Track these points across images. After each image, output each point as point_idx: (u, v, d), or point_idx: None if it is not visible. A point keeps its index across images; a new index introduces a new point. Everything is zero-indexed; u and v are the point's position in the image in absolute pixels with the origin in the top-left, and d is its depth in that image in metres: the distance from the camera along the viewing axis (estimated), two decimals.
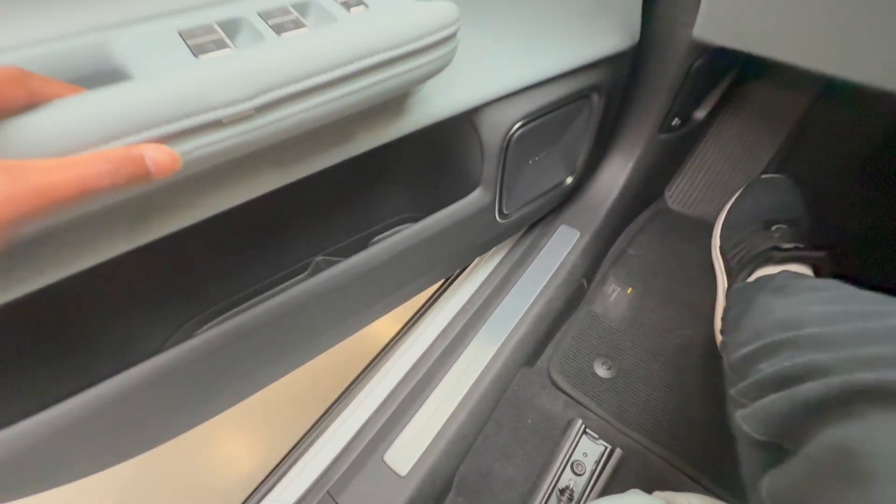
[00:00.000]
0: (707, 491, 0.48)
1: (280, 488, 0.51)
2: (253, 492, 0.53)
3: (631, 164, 0.65)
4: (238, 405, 0.47)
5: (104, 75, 0.24)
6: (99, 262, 0.28)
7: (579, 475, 0.49)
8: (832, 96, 0.71)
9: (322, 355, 0.51)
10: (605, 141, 0.65)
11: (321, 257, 0.55)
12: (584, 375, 0.58)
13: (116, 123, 0.20)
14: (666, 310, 0.64)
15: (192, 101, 0.22)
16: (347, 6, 0.29)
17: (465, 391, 0.54)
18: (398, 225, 0.61)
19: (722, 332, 0.54)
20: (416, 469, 0.48)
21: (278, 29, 0.27)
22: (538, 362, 0.61)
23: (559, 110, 0.51)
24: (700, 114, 0.66)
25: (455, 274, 0.68)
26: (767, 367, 0.33)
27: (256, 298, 0.51)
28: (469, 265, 0.68)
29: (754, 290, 0.46)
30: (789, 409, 0.30)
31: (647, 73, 0.57)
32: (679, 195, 0.76)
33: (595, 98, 0.54)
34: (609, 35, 0.49)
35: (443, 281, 0.67)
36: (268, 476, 0.53)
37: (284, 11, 0.28)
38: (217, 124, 0.23)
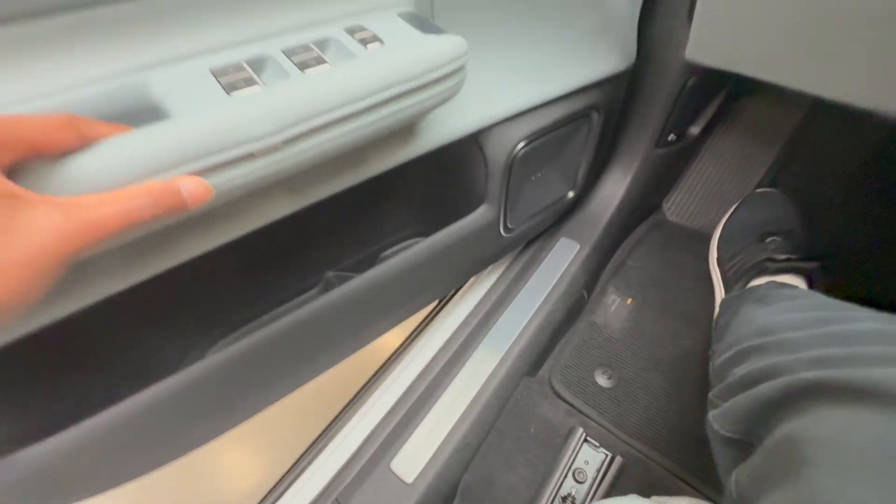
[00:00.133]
0: (707, 499, 0.49)
1: (289, 495, 0.52)
2: (263, 499, 0.54)
3: (629, 178, 0.67)
4: None
5: (144, 111, 0.26)
6: (126, 287, 0.29)
7: (581, 483, 0.50)
8: (824, 111, 0.73)
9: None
10: (604, 156, 0.67)
11: (332, 273, 0.57)
12: (585, 385, 0.59)
13: (158, 160, 0.22)
14: (665, 320, 0.65)
15: (226, 136, 0.24)
16: (365, 43, 0.31)
17: (468, 401, 0.55)
18: (406, 240, 0.63)
19: (713, 340, 0.56)
20: (421, 477, 0.50)
21: (302, 66, 0.29)
22: (540, 372, 0.62)
23: (561, 129, 0.53)
24: (695, 129, 0.68)
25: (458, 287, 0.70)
26: (739, 371, 0.36)
27: (272, 313, 0.53)
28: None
29: (741, 301, 0.48)
30: (751, 407, 0.32)
31: (643, 92, 0.60)
32: (677, 207, 0.78)
33: (594, 116, 0.56)
34: (607, 57, 0.52)
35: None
36: (277, 483, 0.55)
37: (306, 49, 0.30)
38: (248, 157, 0.25)
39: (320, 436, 0.57)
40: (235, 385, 0.42)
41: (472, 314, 0.64)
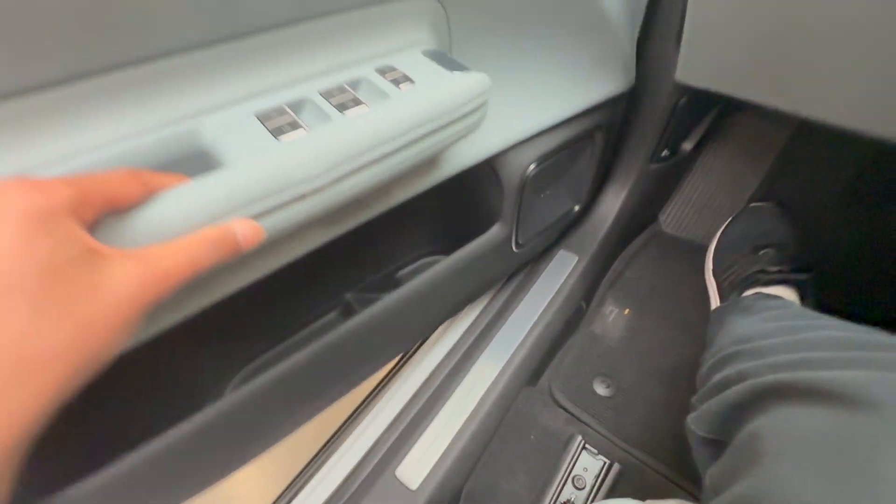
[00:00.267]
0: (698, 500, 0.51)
1: (297, 502, 0.54)
2: None
3: (625, 193, 0.70)
4: None
5: (195, 158, 0.28)
6: (171, 325, 0.31)
7: (580, 489, 0.52)
8: (814, 126, 0.74)
9: None
10: (604, 172, 0.69)
11: (351, 294, 0.59)
12: (584, 394, 0.61)
13: (216, 208, 0.24)
14: (662, 330, 0.67)
15: (279, 181, 0.25)
16: (397, 83, 0.33)
17: (470, 409, 0.57)
18: (420, 259, 0.65)
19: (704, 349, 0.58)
20: (426, 483, 0.51)
21: (341, 107, 0.30)
22: (540, 381, 0.64)
23: (568, 149, 0.56)
24: (688, 145, 0.71)
25: None
26: (717, 376, 0.38)
27: (295, 338, 0.55)
28: None
29: (728, 311, 0.50)
30: (722, 409, 0.35)
31: (638, 111, 0.62)
32: (673, 219, 0.80)
33: (598, 136, 0.59)
34: (609, 79, 0.54)
35: None
36: (285, 491, 0.56)
37: (342, 90, 0.31)
38: (298, 198, 0.27)
39: (327, 443, 0.59)
40: (261, 416, 0.43)
41: (473, 325, 0.66)
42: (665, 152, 0.68)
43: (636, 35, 0.53)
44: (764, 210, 0.65)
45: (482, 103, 0.35)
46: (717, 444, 0.36)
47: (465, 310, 0.69)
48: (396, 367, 0.66)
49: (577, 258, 0.71)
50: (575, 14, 0.47)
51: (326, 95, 0.31)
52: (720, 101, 0.74)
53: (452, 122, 0.33)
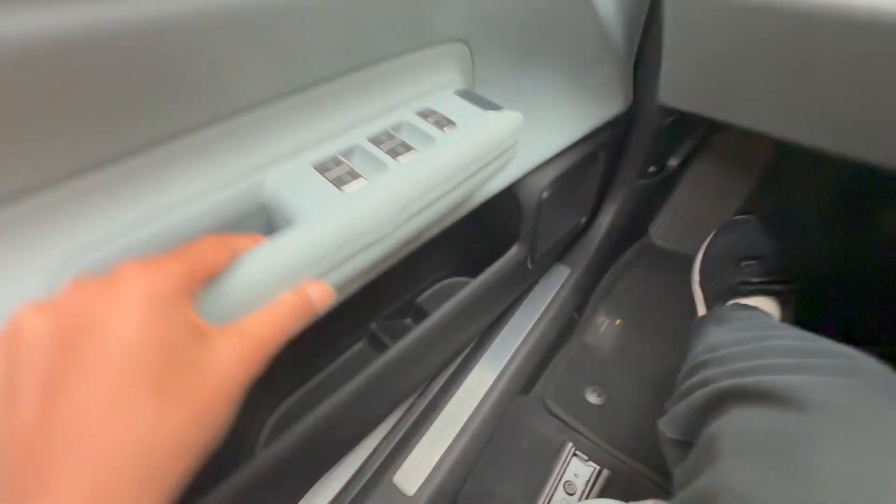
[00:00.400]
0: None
1: None
2: None
3: (615, 207, 0.72)
4: None
5: (260, 212, 0.28)
6: None
7: (571, 495, 0.54)
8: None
9: None
10: (604, 188, 0.73)
11: (375, 324, 0.60)
12: (576, 402, 0.63)
13: (294, 267, 0.24)
14: (653, 340, 0.69)
15: (349, 233, 0.26)
16: (440, 125, 0.34)
17: (466, 417, 0.59)
18: (439, 283, 0.67)
19: None
20: (422, 489, 0.53)
21: (393, 153, 0.31)
22: (534, 390, 0.66)
23: (578, 169, 0.59)
24: (674, 162, 0.74)
25: None
26: (687, 382, 0.41)
27: (326, 372, 0.56)
28: None
29: (705, 321, 0.53)
30: (688, 412, 0.38)
31: (630, 131, 0.66)
32: (663, 232, 0.83)
33: (601, 155, 0.63)
34: (612, 102, 0.58)
35: None
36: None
37: (389, 136, 0.33)
38: (365, 247, 0.27)
39: None
40: (295, 467, 0.43)
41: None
42: (652, 169, 0.71)
43: (633, 60, 0.57)
44: (747, 223, 0.68)
45: (516, 140, 0.37)
46: (685, 445, 0.38)
47: None
48: None
49: (569, 270, 0.73)
50: (584, 46, 0.50)
51: (375, 141, 0.32)
52: (704, 121, 0.77)
53: (493, 160, 0.35)
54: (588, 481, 0.54)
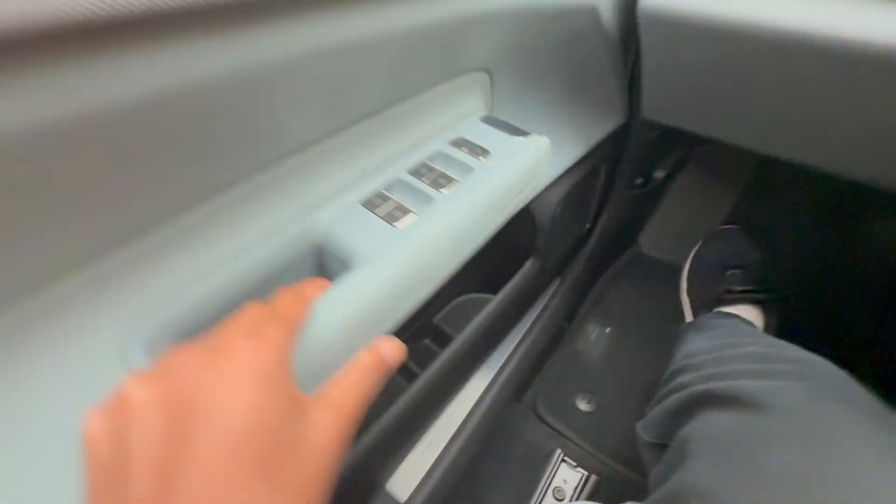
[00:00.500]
0: None
1: None
2: None
3: (604, 218, 0.74)
4: None
5: (315, 253, 0.28)
6: None
7: (560, 500, 0.55)
8: None
9: None
10: (603, 197, 0.75)
11: None
12: (566, 409, 0.64)
13: (366, 314, 0.24)
14: (642, 347, 0.70)
15: (409, 269, 0.27)
16: (475, 154, 0.35)
17: (457, 425, 0.60)
18: (453, 300, 0.68)
19: None
20: (414, 495, 0.54)
21: (435, 185, 0.31)
22: (525, 397, 0.67)
23: (583, 183, 0.62)
24: (660, 173, 0.76)
25: None
26: (665, 388, 0.42)
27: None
28: None
29: (687, 329, 0.55)
30: (663, 416, 0.39)
31: (623, 144, 0.68)
32: (652, 241, 0.84)
33: (602, 167, 0.65)
34: (612, 117, 0.60)
35: None
36: None
37: (427, 167, 0.33)
38: (423, 282, 0.28)
39: None
40: None
41: None
42: (640, 180, 0.73)
43: (629, 75, 0.59)
44: (732, 233, 0.70)
45: (546, 164, 0.39)
46: (660, 448, 0.39)
47: None
48: None
49: (559, 279, 0.75)
50: (593, 65, 0.53)
51: (416, 174, 0.32)
52: (689, 134, 0.80)
53: (527, 186, 0.37)
54: (577, 487, 0.55)
